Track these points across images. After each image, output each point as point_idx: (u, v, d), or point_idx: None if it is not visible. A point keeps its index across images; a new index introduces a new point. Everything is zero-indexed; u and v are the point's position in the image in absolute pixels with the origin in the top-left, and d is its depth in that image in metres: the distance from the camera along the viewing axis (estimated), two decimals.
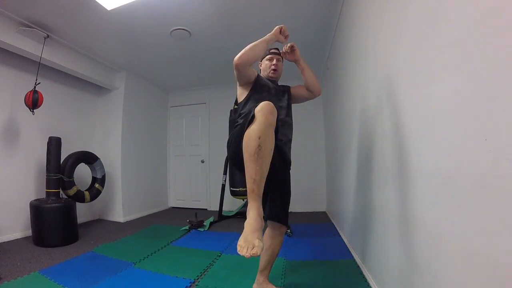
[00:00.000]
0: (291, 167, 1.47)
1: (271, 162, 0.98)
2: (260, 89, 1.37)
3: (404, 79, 1.06)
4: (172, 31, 2.65)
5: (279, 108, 1.37)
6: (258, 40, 1.28)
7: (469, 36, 0.65)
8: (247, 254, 0.80)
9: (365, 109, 1.66)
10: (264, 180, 0.95)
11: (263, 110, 0.94)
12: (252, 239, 0.84)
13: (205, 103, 4.57)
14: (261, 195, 0.95)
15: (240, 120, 1.34)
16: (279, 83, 1.55)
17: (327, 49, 3.07)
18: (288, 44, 1.45)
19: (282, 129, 1.33)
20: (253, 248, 0.81)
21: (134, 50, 3.10)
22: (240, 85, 1.41)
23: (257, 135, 0.91)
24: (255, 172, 0.91)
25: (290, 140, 1.42)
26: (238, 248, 0.83)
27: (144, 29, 2.61)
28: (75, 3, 2.16)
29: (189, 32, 2.68)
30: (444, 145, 0.77)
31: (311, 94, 1.52)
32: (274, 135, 0.97)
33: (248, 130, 0.94)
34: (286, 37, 1.38)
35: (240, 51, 1.28)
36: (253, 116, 0.95)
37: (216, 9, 2.33)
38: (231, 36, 2.79)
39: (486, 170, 0.59)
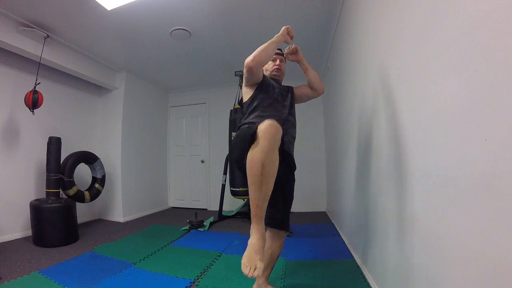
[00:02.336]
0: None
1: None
2: (265, 89, 1.39)
3: (404, 79, 1.06)
4: (172, 31, 2.65)
5: (282, 108, 1.39)
6: (268, 42, 1.30)
7: (469, 36, 0.65)
8: (249, 275, 0.90)
9: (364, 109, 1.66)
10: (267, 201, 1.00)
11: (266, 133, 0.93)
12: (254, 260, 0.93)
13: (205, 103, 4.57)
14: (264, 216, 1.00)
15: (244, 120, 1.35)
16: (282, 84, 1.57)
17: (327, 49, 3.07)
18: (292, 46, 1.48)
19: (285, 127, 1.34)
20: (255, 269, 0.91)
21: (134, 50, 3.10)
22: (246, 85, 1.42)
23: (260, 161, 0.92)
24: (258, 198, 0.96)
25: (294, 138, 1.43)
26: (242, 266, 0.93)
27: (144, 29, 2.61)
28: (75, 3, 2.16)
29: (189, 32, 2.68)
30: (444, 145, 0.77)
31: (315, 92, 1.54)
32: (278, 155, 0.97)
33: (251, 153, 0.95)
34: (291, 37, 1.41)
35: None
36: (256, 134, 0.94)
37: (216, 9, 2.34)
38: (231, 36, 2.79)
39: (486, 170, 0.59)
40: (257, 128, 0.96)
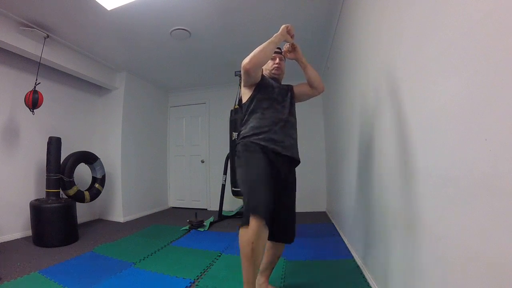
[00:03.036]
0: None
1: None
2: (264, 89, 1.37)
3: (404, 79, 1.06)
4: (172, 31, 2.65)
5: (282, 108, 1.37)
6: (266, 42, 1.27)
7: (469, 36, 0.65)
8: None
9: (365, 109, 1.66)
10: (258, 269, 1.15)
11: (254, 227, 1.10)
12: None
13: (205, 103, 4.57)
14: (255, 281, 1.16)
15: (245, 125, 1.37)
16: (282, 83, 1.55)
17: (327, 48, 3.07)
18: (290, 44, 1.45)
19: (286, 129, 1.33)
20: None
21: (134, 50, 3.10)
22: (244, 85, 1.40)
23: (250, 240, 1.10)
24: (249, 275, 1.11)
25: (296, 140, 1.41)
26: None
27: (144, 29, 2.61)
28: (75, 3, 2.16)
29: (189, 32, 2.68)
30: (444, 145, 0.77)
31: (315, 91, 1.52)
32: (266, 233, 1.15)
33: (242, 234, 1.13)
34: (292, 36, 1.38)
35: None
36: (248, 223, 1.12)
37: (216, 9, 2.34)
38: (231, 36, 2.79)
39: (486, 170, 0.59)
40: (250, 217, 1.12)
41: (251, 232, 1.09)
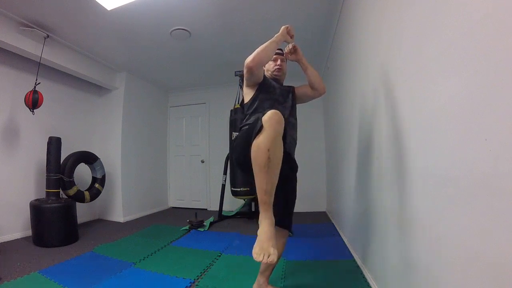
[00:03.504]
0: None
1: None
2: (266, 89, 1.38)
3: (404, 79, 1.06)
4: (172, 31, 2.65)
5: (283, 109, 1.38)
6: (268, 42, 1.29)
7: (469, 36, 0.65)
8: (264, 260, 0.88)
9: (365, 109, 1.66)
10: (275, 189, 0.99)
11: (271, 120, 0.94)
12: (267, 247, 0.90)
13: (205, 103, 4.57)
14: (272, 203, 0.98)
15: (246, 121, 1.35)
16: (283, 84, 1.56)
17: (327, 49, 3.08)
18: (291, 45, 1.46)
19: (287, 129, 1.33)
20: (269, 256, 0.88)
21: (134, 50, 3.10)
22: (247, 85, 1.41)
23: (266, 147, 0.92)
24: (266, 184, 0.95)
25: (295, 140, 1.42)
26: (254, 255, 0.89)
27: (144, 29, 2.61)
28: (75, 3, 2.16)
29: (189, 32, 2.68)
30: (444, 145, 0.77)
31: (316, 92, 1.53)
32: (282, 144, 0.98)
33: (257, 141, 0.95)
34: (291, 36, 1.39)
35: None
36: (261, 127, 0.95)
37: (216, 9, 2.34)
38: (231, 36, 2.79)
39: (486, 170, 0.59)
40: (261, 119, 0.96)
41: (268, 134, 0.92)
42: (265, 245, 0.91)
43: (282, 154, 0.98)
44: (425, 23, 0.87)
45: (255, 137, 0.96)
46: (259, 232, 0.96)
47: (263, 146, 0.92)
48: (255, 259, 0.88)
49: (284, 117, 1.34)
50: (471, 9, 0.65)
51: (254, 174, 0.97)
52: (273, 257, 0.88)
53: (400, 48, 1.09)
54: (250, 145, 0.98)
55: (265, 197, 0.95)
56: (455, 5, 0.71)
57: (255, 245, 0.92)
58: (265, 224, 0.95)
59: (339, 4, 2.24)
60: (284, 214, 1.35)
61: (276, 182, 0.98)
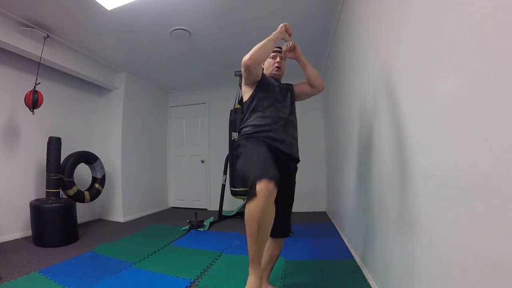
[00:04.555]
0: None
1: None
2: (264, 88, 1.38)
3: (404, 79, 1.06)
4: (172, 31, 2.65)
5: (282, 107, 1.38)
6: (265, 40, 1.29)
7: (469, 36, 0.65)
8: None
9: (365, 109, 1.66)
10: (264, 248, 1.09)
11: (263, 191, 0.99)
12: None
13: (205, 103, 4.57)
14: (261, 261, 1.08)
15: (245, 122, 1.36)
16: (282, 82, 1.56)
17: (327, 48, 3.07)
18: (290, 43, 1.46)
19: (287, 128, 1.34)
20: None
21: (134, 50, 3.10)
22: (245, 84, 1.41)
23: (257, 216, 0.99)
24: (255, 247, 1.04)
25: (296, 139, 1.41)
26: None
27: (144, 29, 2.61)
28: (75, 3, 2.16)
29: (189, 32, 2.68)
30: (444, 145, 0.77)
31: (315, 89, 1.53)
32: (274, 208, 1.06)
33: (248, 207, 1.02)
34: (290, 35, 1.39)
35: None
36: (255, 193, 1.00)
37: (216, 9, 2.34)
38: (231, 36, 2.79)
39: (486, 170, 0.59)
40: (256, 185, 1.01)
41: (257, 205, 0.98)
42: None
43: (273, 216, 1.06)
44: (425, 23, 0.87)
45: (249, 199, 1.03)
46: (248, 280, 1.05)
47: (254, 216, 0.99)
48: None
49: (284, 116, 1.35)
50: (471, 9, 0.65)
51: (247, 237, 1.05)
52: None
53: (400, 48, 1.09)
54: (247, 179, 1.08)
55: (254, 257, 1.05)
56: (455, 5, 0.71)
57: None
58: (253, 278, 1.04)
59: (339, 4, 2.24)
60: (285, 225, 1.37)
61: (266, 242, 1.09)
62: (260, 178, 1.01)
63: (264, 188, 0.99)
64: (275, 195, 1.03)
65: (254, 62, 1.26)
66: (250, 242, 1.04)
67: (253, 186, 1.01)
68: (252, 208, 0.99)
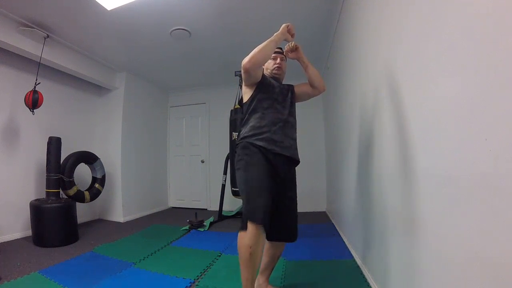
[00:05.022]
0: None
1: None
2: (264, 89, 1.37)
3: (404, 79, 1.06)
4: (172, 31, 2.65)
5: (282, 108, 1.37)
6: (267, 41, 1.27)
7: (469, 36, 0.65)
8: None
9: (365, 109, 1.66)
10: (255, 274, 1.17)
11: (252, 232, 1.12)
12: None
13: (205, 103, 4.57)
14: (254, 285, 1.17)
15: (245, 124, 1.37)
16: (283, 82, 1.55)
17: (327, 48, 3.07)
18: (292, 43, 1.45)
19: (285, 129, 1.33)
20: None
21: (134, 50, 3.10)
22: (245, 85, 1.40)
23: (248, 245, 1.11)
24: (248, 274, 1.13)
25: (295, 140, 1.41)
26: None
27: (144, 29, 2.61)
28: (75, 3, 2.16)
29: (189, 32, 2.68)
30: (444, 145, 0.77)
31: (316, 90, 1.52)
32: (264, 238, 1.18)
33: (241, 237, 1.14)
34: (292, 35, 1.38)
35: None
36: (246, 228, 1.13)
37: (216, 9, 2.34)
38: (231, 36, 2.79)
39: (486, 170, 0.59)
40: (247, 222, 1.14)
41: (249, 237, 1.11)
42: None
43: (264, 246, 1.20)
44: (425, 23, 0.87)
45: (241, 229, 1.16)
46: None
47: (246, 244, 1.11)
48: None
49: (283, 117, 1.34)
50: (471, 9, 0.65)
51: (240, 264, 1.15)
52: None
53: (401, 48, 1.09)
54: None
55: (247, 283, 1.13)
56: (455, 5, 0.71)
57: None
58: None
59: (339, 4, 2.24)
60: (291, 229, 1.37)
61: (257, 268, 1.17)
62: (252, 217, 1.14)
63: (253, 230, 1.12)
64: (264, 235, 1.17)
65: (254, 65, 1.24)
66: (243, 269, 1.14)
67: (245, 221, 1.15)
68: (245, 238, 1.13)
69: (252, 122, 1.32)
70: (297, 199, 1.42)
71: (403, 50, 1.06)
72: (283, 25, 1.34)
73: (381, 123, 1.34)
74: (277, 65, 1.46)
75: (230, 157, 3.16)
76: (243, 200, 1.24)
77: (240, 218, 3.74)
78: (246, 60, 1.23)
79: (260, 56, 1.24)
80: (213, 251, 2.16)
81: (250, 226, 1.12)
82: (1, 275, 1.67)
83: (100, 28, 2.57)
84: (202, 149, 4.51)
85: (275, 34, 1.31)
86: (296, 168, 1.44)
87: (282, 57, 1.49)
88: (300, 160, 1.40)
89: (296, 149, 1.40)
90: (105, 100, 3.75)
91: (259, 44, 1.26)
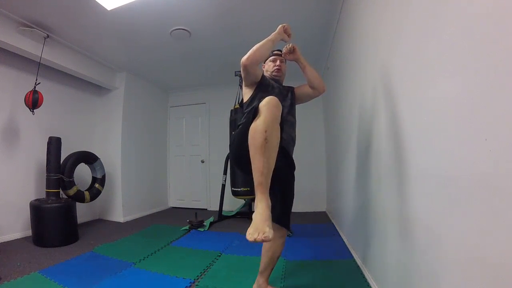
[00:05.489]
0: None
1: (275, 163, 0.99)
2: (264, 88, 1.40)
3: (404, 79, 1.06)
4: (172, 31, 2.65)
5: (281, 107, 1.38)
6: (264, 40, 1.31)
7: (469, 36, 0.65)
8: (258, 238, 0.80)
9: (364, 109, 1.66)
10: (271, 173, 0.96)
11: (268, 104, 0.95)
12: (262, 227, 0.84)
13: (205, 103, 4.57)
14: (269, 187, 0.95)
15: (243, 119, 1.35)
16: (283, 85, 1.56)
17: (327, 49, 3.07)
18: (289, 45, 1.47)
19: (285, 127, 1.34)
20: (264, 233, 0.81)
21: (134, 50, 3.10)
22: (245, 85, 1.43)
23: (263, 128, 0.92)
24: (262, 165, 0.92)
25: (294, 139, 1.42)
26: (248, 236, 0.83)
27: (144, 29, 2.61)
28: (75, 3, 2.16)
29: (189, 32, 2.68)
30: (444, 145, 0.77)
31: (316, 91, 1.53)
32: (279, 129, 0.98)
33: (254, 124, 0.95)
34: (289, 35, 1.41)
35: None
36: (257, 110, 0.96)
37: (216, 9, 2.34)
38: (231, 36, 2.79)
39: (486, 170, 0.59)
40: (258, 106, 0.97)
41: (263, 120, 0.92)
42: (260, 225, 0.85)
43: (279, 139, 0.98)
44: (425, 23, 0.87)
45: (252, 121, 0.96)
46: (254, 215, 0.90)
47: (261, 127, 0.92)
48: (249, 240, 0.82)
49: (282, 115, 1.34)
50: (471, 9, 0.65)
51: (251, 157, 0.95)
52: (268, 234, 0.81)
53: (400, 48, 1.09)
54: (247, 139, 0.97)
55: (261, 178, 0.92)
56: (455, 5, 0.71)
57: (249, 228, 0.86)
58: (261, 207, 0.90)
59: (339, 4, 2.24)
60: (282, 213, 1.34)
61: (273, 167, 0.96)
62: (263, 104, 0.96)
63: (269, 100, 0.95)
64: (280, 109, 0.98)
65: (252, 62, 1.27)
66: (257, 159, 0.93)
67: (256, 110, 0.96)
68: (258, 122, 0.93)
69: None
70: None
71: (403, 50, 1.06)
72: (280, 26, 1.38)
73: (380, 123, 1.34)
74: (277, 67, 1.49)
75: (230, 157, 3.16)
76: (241, 131, 1.06)
77: (241, 218, 3.74)
78: (244, 58, 1.26)
79: (257, 54, 1.27)
80: (213, 251, 2.16)
81: (263, 101, 0.96)
82: (1, 275, 1.67)
83: (100, 28, 2.57)
84: (202, 149, 4.51)
85: (272, 33, 1.35)
86: (296, 168, 1.44)
87: (282, 59, 1.53)
88: (293, 159, 1.40)
89: (292, 147, 1.41)
90: (105, 100, 3.75)
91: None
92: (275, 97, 0.98)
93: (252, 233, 0.83)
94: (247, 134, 0.97)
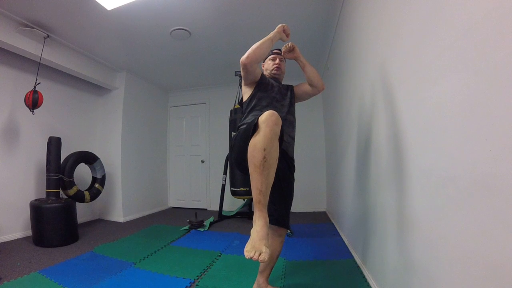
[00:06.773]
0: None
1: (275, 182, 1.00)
2: (263, 88, 1.40)
3: (404, 79, 1.06)
4: (172, 31, 2.65)
5: (281, 106, 1.39)
6: (263, 39, 1.31)
7: (469, 36, 0.65)
8: (255, 257, 0.84)
9: (364, 109, 1.66)
10: (270, 190, 0.97)
11: (268, 121, 0.94)
12: (259, 246, 0.87)
13: (205, 103, 4.57)
14: (267, 204, 0.97)
15: (244, 120, 1.36)
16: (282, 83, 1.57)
17: (327, 49, 3.07)
18: (289, 44, 1.48)
19: (284, 127, 1.34)
20: (260, 254, 0.84)
21: (134, 50, 3.10)
22: (245, 84, 1.43)
23: (262, 147, 0.92)
24: (261, 184, 0.93)
25: (293, 138, 1.43)
26: (245, 252, 0.87)
27: (144, 29, 2.61)
28: (75, 3, 2.16)
29: (189, 32, 2.69)
30: (444, 145, 0.77)
31: (315, 89, 1.54)
32: (278, 145, 0.98)
33: (253, 140, 0.95)
34: (287, 35, 1.41)
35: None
36: (257, 125, 0.95)
37: (216, 9, 2.34)
38: (231, 36, 2.79)
39: (486, 170, 0.59)
40: (258, 120, 0.96)
41: (262, 138, 0.92)
42: (257, 244, 0.88)
43: (278, 155, 0.98)
44: (425, 23, 0.87)
45: (251, 136, 0.96)
46: (252, 231, 0.93)
47: (260, 146, 0.92)
48: (246, 256, 0.85)
49: (281, 115, 1.35)
50: (471, 9, 0.65)
51: (250, 174, 0.97)
52: (264, 256, 0.84)
53: (400, 48, 1.09)
54: (247, 146, 0.98)
55: (260, 197, 0.94)
56: (455, 5, 0.71)
57: (247, 244, 0.89)
58: (259, 224, 0.92)
59: (338, 4, 2.24)
60: (281, 213, 1.34)
61: (272, 182, 0.97)
62: (261, 120, 0.95)
63: (268, 116, 0.94)
64: (280, 124, 0.97)
65: (251, 61, 1.28)
66: (255, 178, 0.94)
67: (256, 124, 0.95)
68: (257, 139, 0.93)
69: (250, 119, 1.33)
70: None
71: (403, 50, 1.06)
72: (279, 25, 1.38)
73: (380, 123, 1.34)
74: (276, 65, 1.50)
75: (230, 157, 3.16)
76: (241, 139, 1.07)
77: (241, 218, 3.75)
78: (244, 57, 1.27)
79: (257, 53, 1.28)
80: (213, 251, 2.16)
81: (262, 117, 0.95)
82: (1, 275, 1.67)
83: (100, 28, 2.57)
84: (202, 149, 4.51)
85: (271, 32, 1.36)
86: (296, 168, 1.44)
87: (281, 58, 1.53)
88: (294, 159, 1.41)
89: (292, 147, 1.41)
90: (105, 100, 3.75)
91: None
92: (275, 113, 0.97)
93: (249, 251, 0.87)
94: (247, 144, 0.98)
